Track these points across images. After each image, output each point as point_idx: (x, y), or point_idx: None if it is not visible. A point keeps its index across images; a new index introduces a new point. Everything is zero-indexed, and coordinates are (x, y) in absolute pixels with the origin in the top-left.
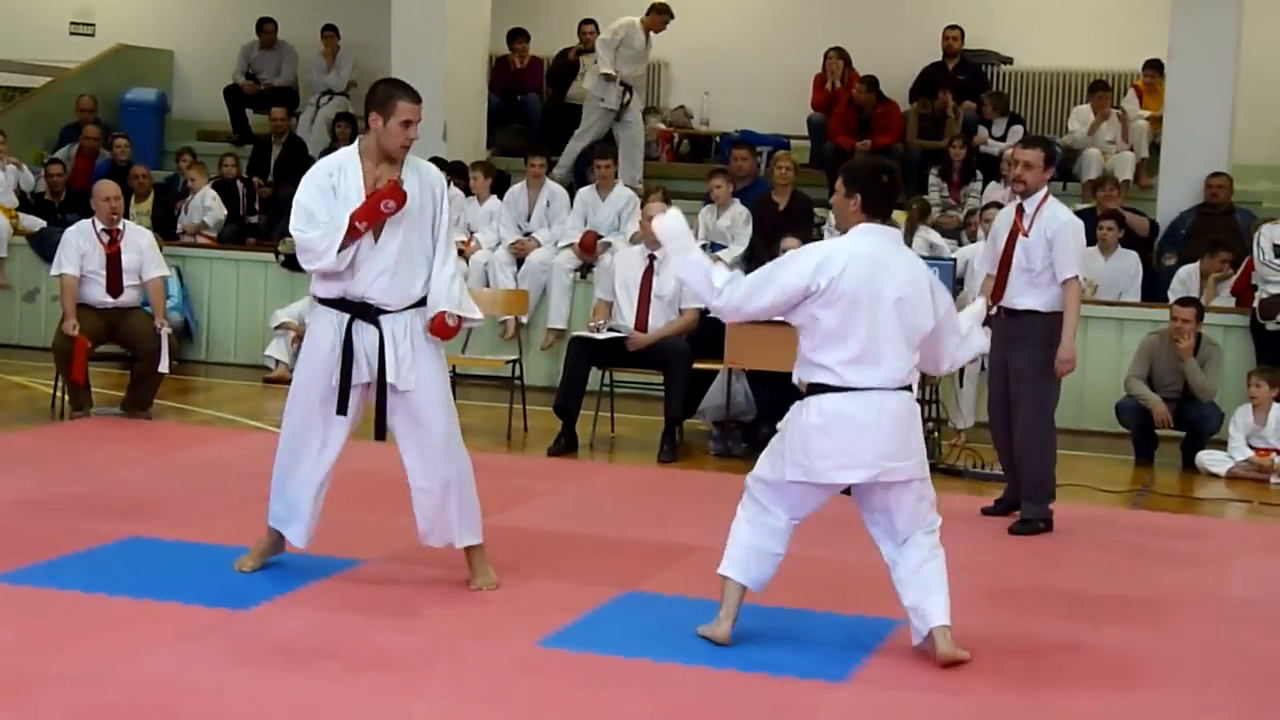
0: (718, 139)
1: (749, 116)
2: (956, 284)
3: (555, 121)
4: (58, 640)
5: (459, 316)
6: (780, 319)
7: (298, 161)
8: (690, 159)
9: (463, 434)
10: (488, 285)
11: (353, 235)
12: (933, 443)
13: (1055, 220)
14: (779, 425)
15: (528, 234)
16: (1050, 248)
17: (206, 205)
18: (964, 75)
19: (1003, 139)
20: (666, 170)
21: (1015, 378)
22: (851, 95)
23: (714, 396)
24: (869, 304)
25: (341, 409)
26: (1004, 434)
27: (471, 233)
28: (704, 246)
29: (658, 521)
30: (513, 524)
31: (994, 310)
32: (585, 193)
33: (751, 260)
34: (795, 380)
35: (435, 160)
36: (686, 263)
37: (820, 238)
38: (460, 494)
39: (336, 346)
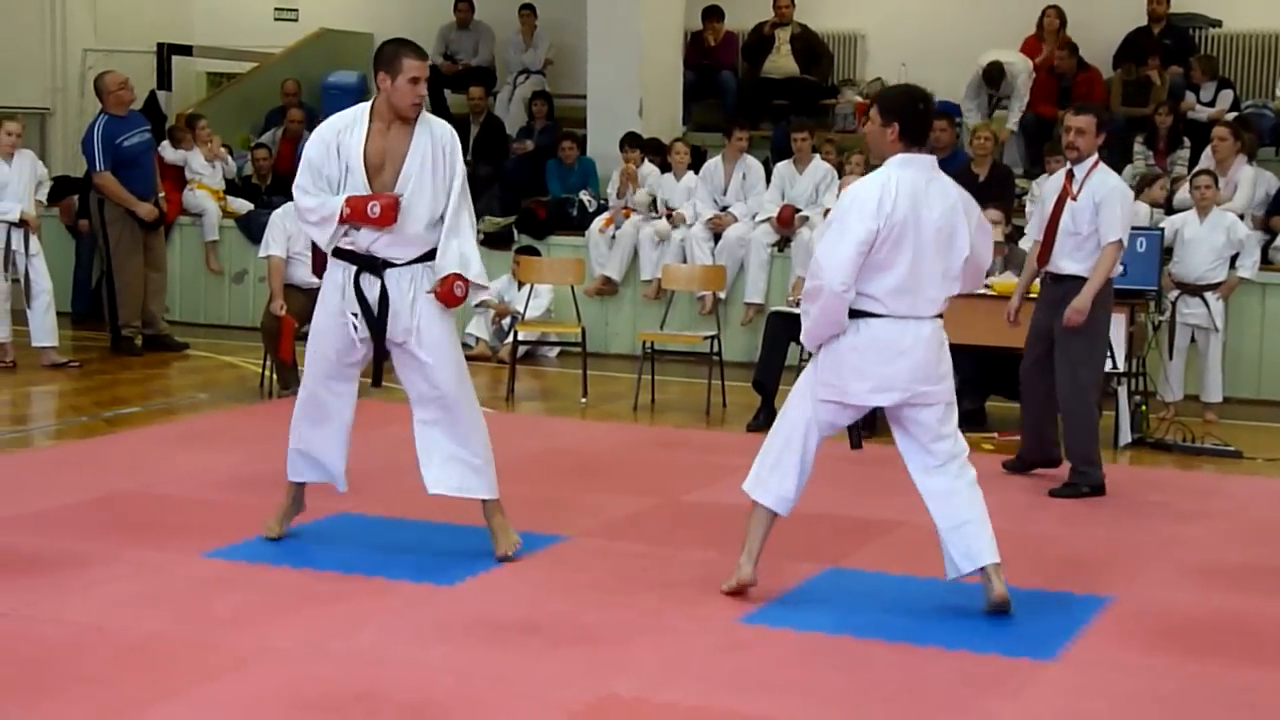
0: None
1: (946, 87)
2: (1165, 253)
3: (751, 97)
4: (269, 615)
5: (467, 284)
6: (976, 291)
7: (496, 141)
8: None
9: (662, 409)
10: (685, 261)
11: (340, 221)
12: (1141, 416)
13: (1104, 185)
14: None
15: (724, 208)
16: (1097, 212)
17: None
18: (1170, 39)
19: (1211, 104)
20: (864, 142)
21: (1058, 343)
22: (1053, 63)
23: None
24: (912, 235)
25: (382, 355)
26: (1032, 396)
27: (670, 209)
28: None
29: (857, 497)
30: (712, 500)
31: (1040, 275)
32: (783, 166)
33: None
34: None
35: (631, 135)
36: None
37: (1021, 209)
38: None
39: (347, 297)
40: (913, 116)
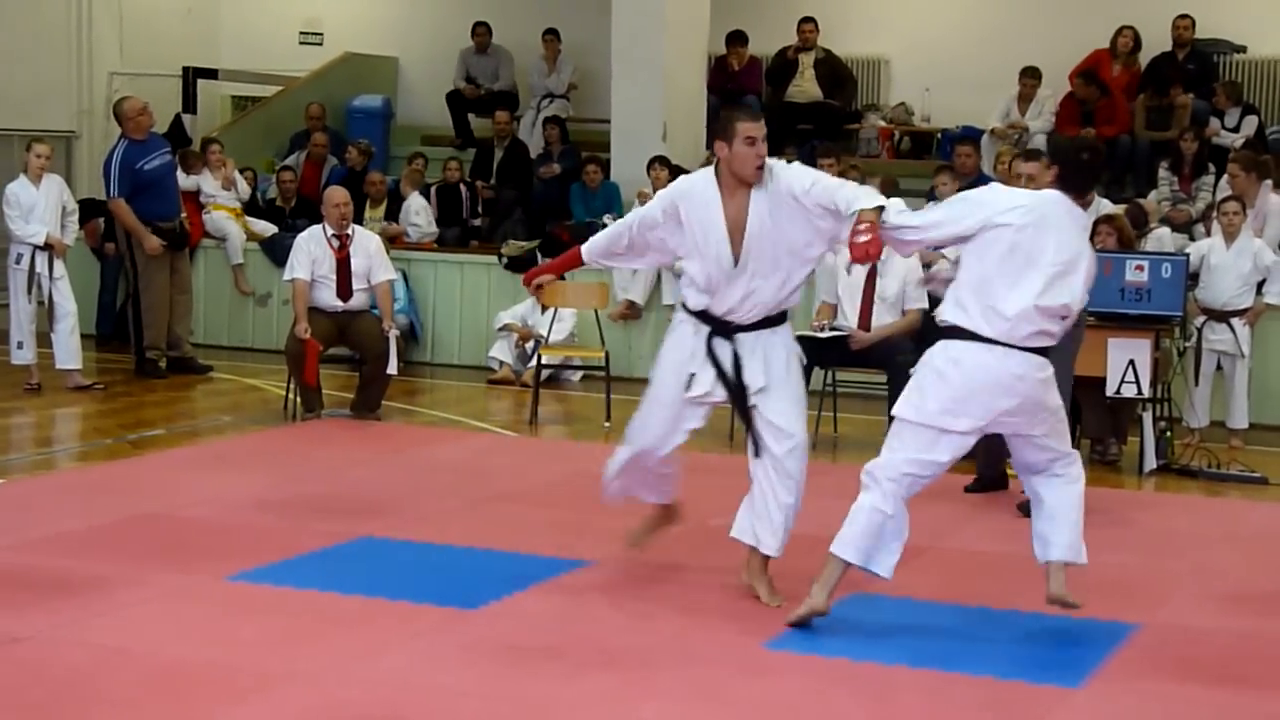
0: (939, 135)
1: (970, 112)
2: (1190, 279)
3: (774, 121)
4: (294, 638)
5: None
6: None
7: (520, 164)
8: (911, 156)
9: None
10: None
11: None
12: (1166, 442)
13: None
14: None
15: None
16: None
17: (414, 213)
18: (1194, 65)
19: (1236, 130)
20: (887, 168)
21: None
22: (1074, 88)
23: None
24: (1025, 262)
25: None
26: None
27: None
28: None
29: None
30: None
31: None
32: None
33: None
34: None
35: (659, 158)
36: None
37: None
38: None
39: (697, 356)
40: (1074, 163)
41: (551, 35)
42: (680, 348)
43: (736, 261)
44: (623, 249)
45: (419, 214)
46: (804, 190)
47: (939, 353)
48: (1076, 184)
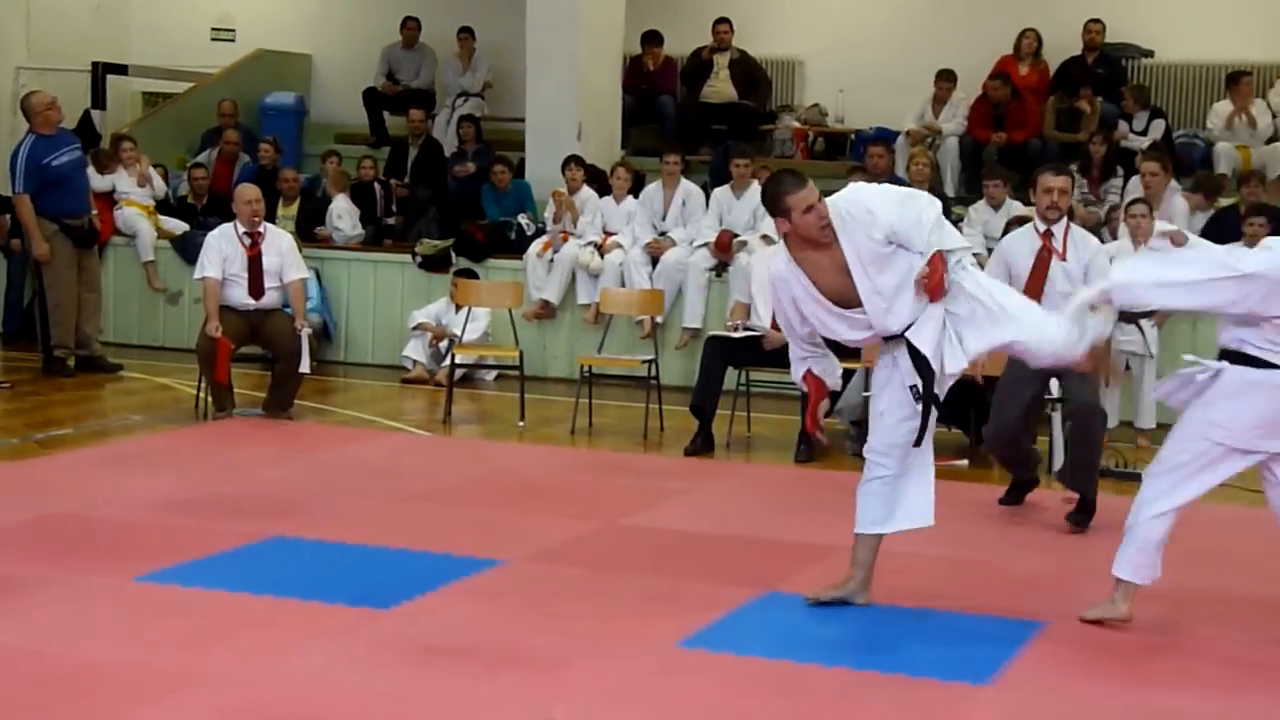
0: (853, 137)
1: (884, 114)
2: None
3: (689, 122)
4: (204, 639)
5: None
6: None
7: (435, 163)
8: (825, 157)
9: (600, 433)
10: (623, 285)
11: None
12: None
13: (1088, 246)
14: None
15: (663, 233)
16: (1086, 274)
17: (337, 217)
18: (1103, 69)
19: (1144, 134)
20: (801, 169)
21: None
22: (986, 91)
23: (851, 395)
24: None
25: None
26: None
27: (608, 233)
28: None
29: (796, 521)
30: (650, 524)
31: None
32: (721, 192)
33: None
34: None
35: (575, 157)
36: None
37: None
38: None
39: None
40: None
41: (466, 34)
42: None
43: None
44: (816, 341)
45: (343, 217)
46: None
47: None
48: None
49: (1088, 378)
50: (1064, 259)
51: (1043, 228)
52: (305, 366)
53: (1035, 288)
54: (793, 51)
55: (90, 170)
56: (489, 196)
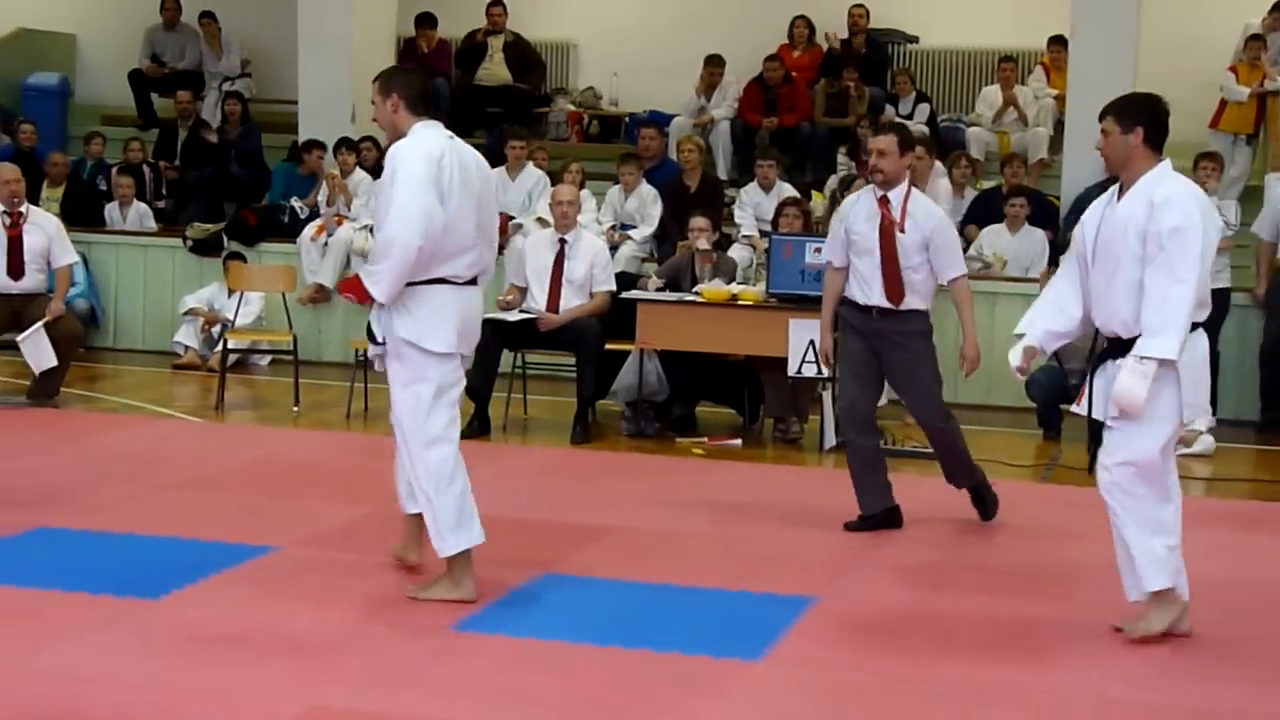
0: (627, 120)
1: (657, 97)
2: None
3: (464, 104)
4: None
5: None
6: (685, 298)
7: (204, 145)
8: (600, 139)
9: (376, 417)
10: None
11: None
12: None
13: (931, 217)
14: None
15: None
16: (926, 247)
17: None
18: (869, 53)
19: (910, 117)
20: (576, 151)
21: (900, 372)
22: (762, 73)
23: (626, 377)
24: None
25: None
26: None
27: (340, 215)
28: (613, 228)
29: (572, 503)
30: None
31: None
32: (496, 174)
33: (663, 240)
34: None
35: (344, 140)
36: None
37: (730, 218)
38: None
39: None
40: (1157, 120)
41: (208, 18)
42: None
43: None
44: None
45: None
46: None
47: None
48: (1161, 141)
49: (921, 386)
50: (902, 230)
51: (878, 193)
52: (39, 361)
53: (890, 265)
54: (567, 35)
55: None
56: (288, 178)
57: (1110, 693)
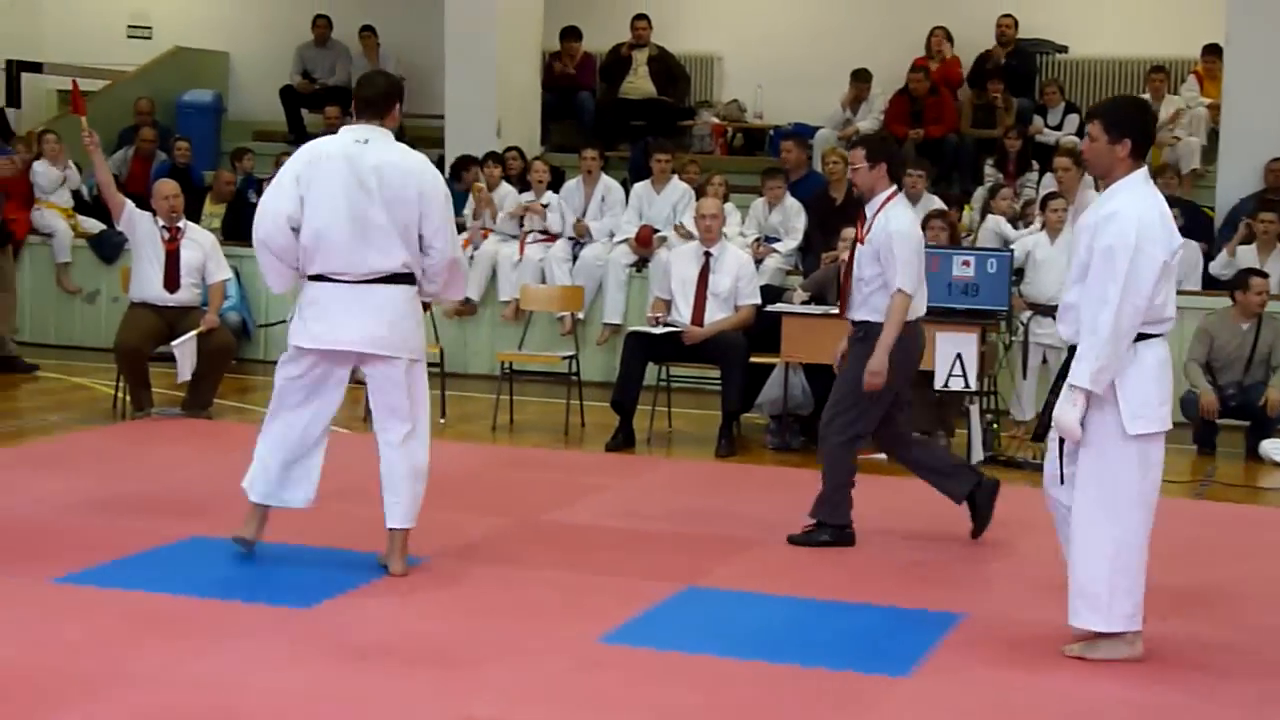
0: (771, 132)
1: (802, 109)
2: (1015, 274)
3: (608, 118)
4: (123, 640)
5: None
6: (831, 311)
7: None
8: (744, 152)
9: (521, 429)
10: (543, 281)
11: None
12: (992, 434)
13: (885, 230)
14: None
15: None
16: (877, 258)
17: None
18: (1017, 63)
19: (1059, 128)
20: (720, 164)
21: (840, 376)
22: (908, 84)
23: (771, 390)
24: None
25: None
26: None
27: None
28: (758, 241)
29: (716, 516)
30: (571, 520)
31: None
32: (641, 187)
33: (808, 252)
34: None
35: (492, 155)
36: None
37: None
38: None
39: None
40: (1144, 129)
41: (368, 32)
42: None
43: None
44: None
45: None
46: None
47: None
48: (1146, 149)
49: (859, 398)
50: (861, 241)
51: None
52: (183, 370)
53: (847, 272)
54: (711, 47)
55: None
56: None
57: (1271, 715)
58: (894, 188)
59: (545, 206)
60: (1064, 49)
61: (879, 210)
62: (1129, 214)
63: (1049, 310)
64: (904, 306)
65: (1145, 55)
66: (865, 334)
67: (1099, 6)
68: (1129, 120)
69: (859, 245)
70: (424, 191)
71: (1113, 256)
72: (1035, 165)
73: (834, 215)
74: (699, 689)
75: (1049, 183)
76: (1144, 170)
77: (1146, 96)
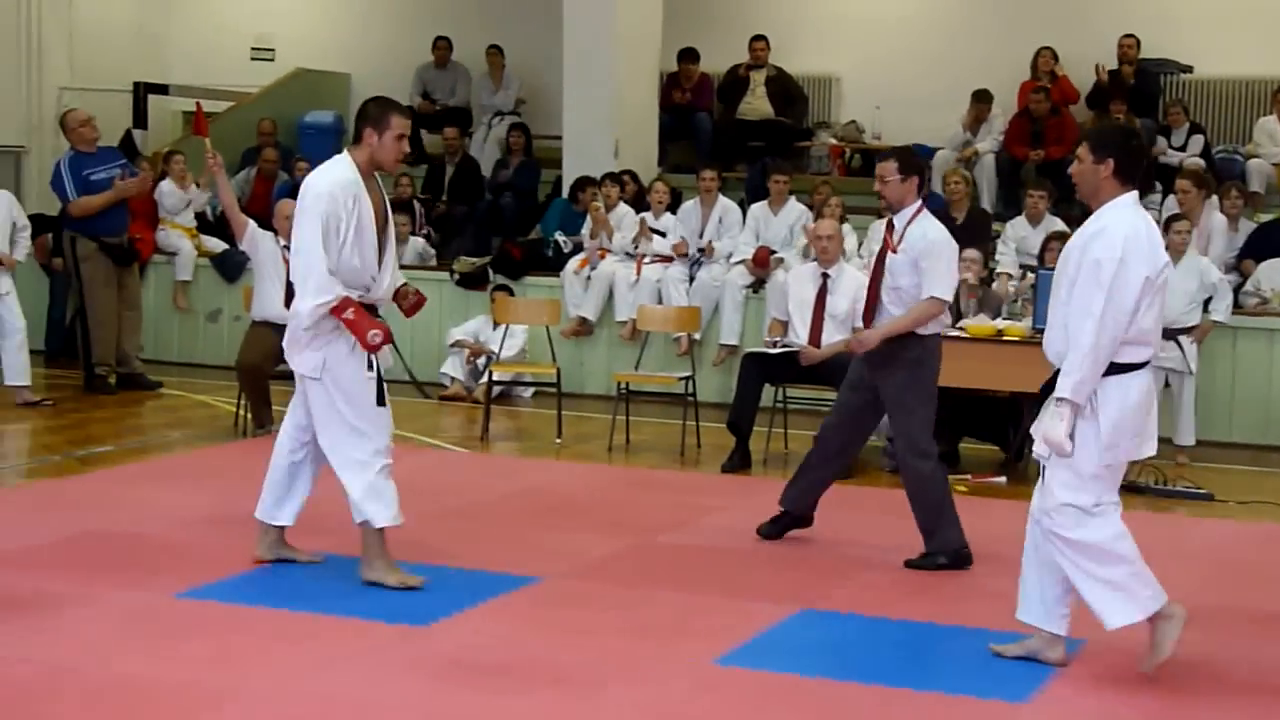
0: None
1: (920, 130)
2: None
3: (726, 138)
4: (244, 655)
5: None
6: (949, 333)
7: (471, 181)
8: (862, 173)
9: (637, 450)
10: (660, 302)
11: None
12: None
13: (924, 238)
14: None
15: (700, 250)
16: (916, 267)
17: (421, 251)
18: (1140, 84)
19: (1183, 149)
20: (838, 185)
21: (890, 403)
22: (1028, 105)
23: None
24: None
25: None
26: (825, 448)
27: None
28: None
29: (832, 538)
30: (687, 541)
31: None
32: (758, 208)
33: None
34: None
35: (609, 176)
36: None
37: (994, 251)
38: None
39: None
40: (1127, 152)
41: (495, 51)
42: None
43: None
44: None
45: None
46: None
47: None
48: (1132, 172)
49: (914, 412)
50: (894, 250)
51: (888, 219)
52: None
53: (874, 283)
54: (829, 68)
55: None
56: (564, 213)
57: None
58: (920, 201)
59: (654, 232)
60: (1189, 69)
61: (910, 221)
62: (1116, 230)
63: (1172, 333)
64: (934, 312)
65: (1272, 75)
66: (890, 347)
67: (1224, 26)
68: (1112, 142)
69: (890, 255)
70: None
71: (1099, 268)
72: (1158, 187)
73: (956, 235)
74: (816, 712)
75: (1171, 204)
76: (1133, 194)
77: (1272, 118)
